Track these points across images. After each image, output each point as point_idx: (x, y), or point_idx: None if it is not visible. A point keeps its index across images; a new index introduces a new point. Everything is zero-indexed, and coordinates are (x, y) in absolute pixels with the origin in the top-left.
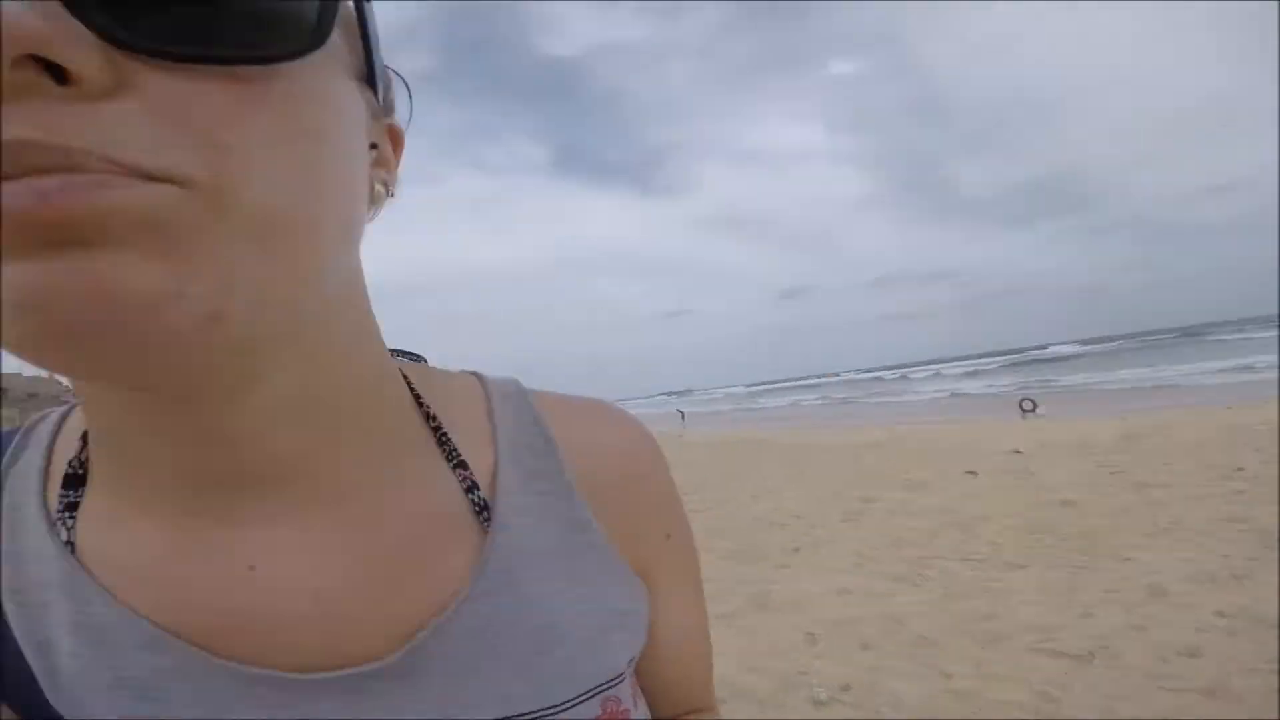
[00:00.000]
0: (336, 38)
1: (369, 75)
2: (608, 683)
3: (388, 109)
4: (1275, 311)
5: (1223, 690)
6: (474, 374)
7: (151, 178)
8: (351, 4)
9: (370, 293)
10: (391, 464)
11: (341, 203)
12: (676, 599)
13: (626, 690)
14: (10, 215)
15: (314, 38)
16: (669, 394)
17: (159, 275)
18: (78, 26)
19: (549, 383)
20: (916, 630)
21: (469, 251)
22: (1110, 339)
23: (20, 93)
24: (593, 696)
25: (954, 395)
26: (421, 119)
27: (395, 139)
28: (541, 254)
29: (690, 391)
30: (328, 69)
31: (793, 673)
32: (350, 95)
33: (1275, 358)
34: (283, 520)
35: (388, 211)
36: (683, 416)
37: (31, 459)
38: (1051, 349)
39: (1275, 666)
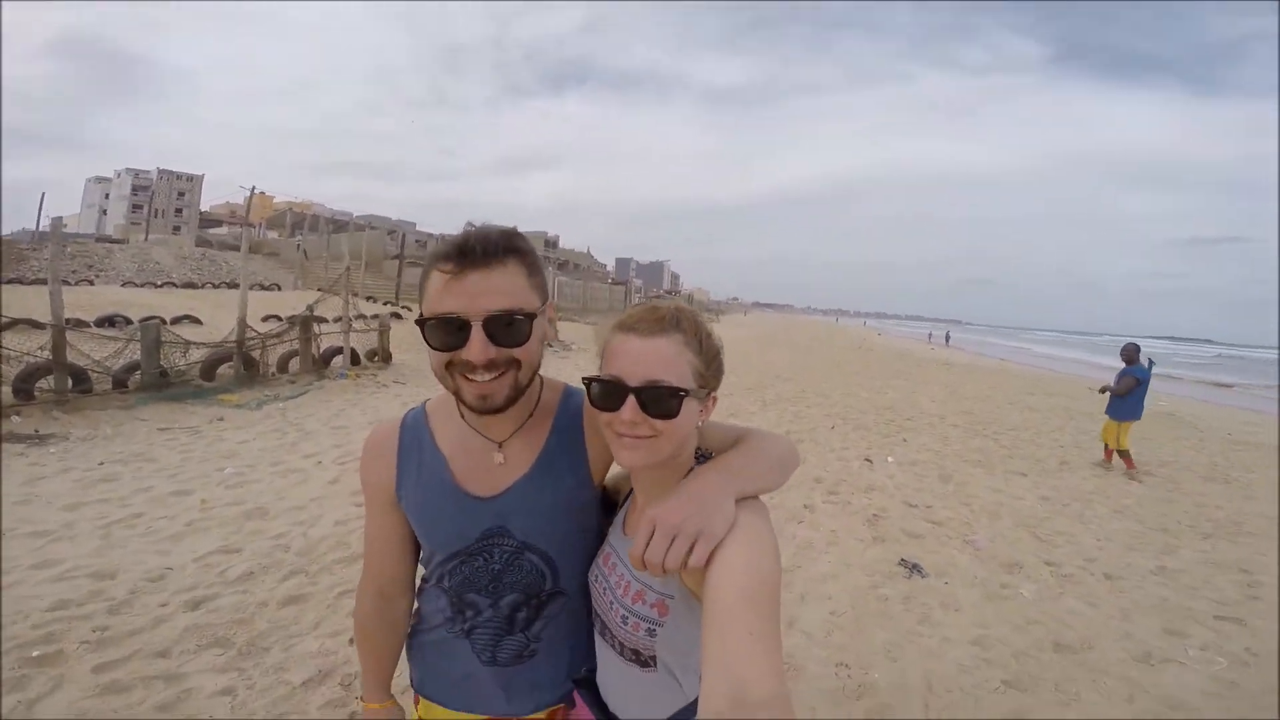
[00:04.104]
0: (692, 382)
1: (712, 386)
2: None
3: (714, 387)
4: None
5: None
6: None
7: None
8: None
9: (816, 194)
10: (674, 483)
11: (689, 441)
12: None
13: (667, 613)
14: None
15: (680, 408)
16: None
17: (664, 453)
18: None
19: (1009, 293)
20: None
21: (932, 154)
22: None
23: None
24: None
25: None
26: (881, 21)
27: (714, 401)
28: (1027, 160)
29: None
30: (691, 404)
31: None
32: (694, 405)
33: None
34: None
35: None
36: None
37: None
38: None
39: None
